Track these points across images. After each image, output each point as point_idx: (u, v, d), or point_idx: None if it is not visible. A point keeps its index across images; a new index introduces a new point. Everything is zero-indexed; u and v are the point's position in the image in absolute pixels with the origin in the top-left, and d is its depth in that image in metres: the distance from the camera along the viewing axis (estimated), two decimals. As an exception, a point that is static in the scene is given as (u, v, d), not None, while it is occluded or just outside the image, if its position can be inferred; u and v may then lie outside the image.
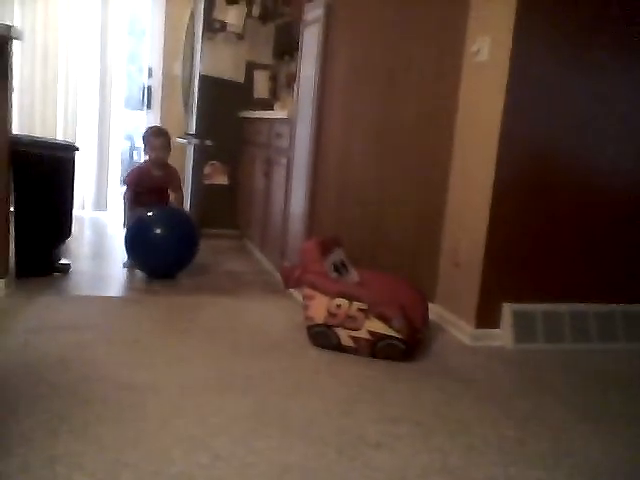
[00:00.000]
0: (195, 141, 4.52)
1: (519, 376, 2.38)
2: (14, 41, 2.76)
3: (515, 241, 2.65)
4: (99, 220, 5.01)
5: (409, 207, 2.94)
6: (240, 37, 4.46)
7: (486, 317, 2.66)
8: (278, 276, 2.79)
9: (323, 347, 2.44)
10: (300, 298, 2.67)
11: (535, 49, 2.53)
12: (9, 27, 2.63)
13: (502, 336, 2.68)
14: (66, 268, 3.25)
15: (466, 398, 2.11)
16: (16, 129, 4.75)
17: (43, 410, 1.75)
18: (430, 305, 2.72)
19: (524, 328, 2.67)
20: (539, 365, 2.51)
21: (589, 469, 1.70)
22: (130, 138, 6.45)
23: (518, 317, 2.67)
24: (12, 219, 2.97)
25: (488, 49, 2.65)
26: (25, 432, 1.62)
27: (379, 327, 2.35)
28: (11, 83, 2.79)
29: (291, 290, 3.03)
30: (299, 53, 3.21)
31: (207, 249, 3.95)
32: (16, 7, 4.84)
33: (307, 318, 2.49)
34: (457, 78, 2.88)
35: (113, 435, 1.64)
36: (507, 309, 2.67)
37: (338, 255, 2.66)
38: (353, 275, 2.68)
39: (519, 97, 2.54)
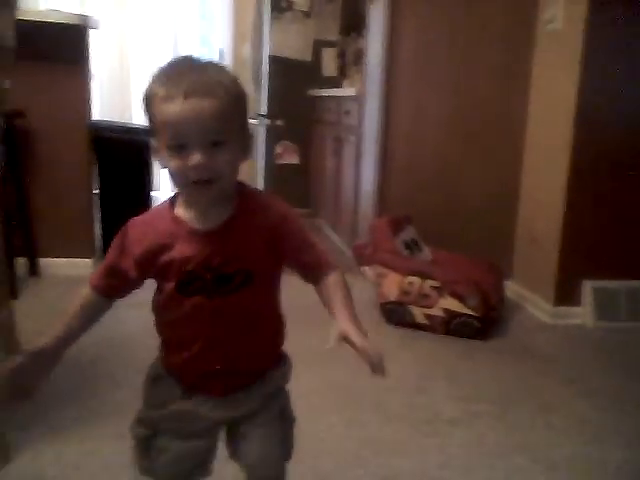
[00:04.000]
0: (266, 122, 4.57)
1: (600, 355, 2.31)
2: (92, 30, 2.87)
3: (595, 214, 2.55)
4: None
5: (483, 183, 2.88)
6: (307, 15, 4.46)
7: (565, 294, 2.58)
8: (350, 254, 2.81)
9: (397, 324, 2.44)
10: (372, 276, 2.68)
11: (613, 14, 2.38)
12: (85, 17, 2.74)
13: (582, 314, 2.59)
14: (147, 248, 3.38)
15: (544, 377, 2.07)
16: (96, 115, 4.95)
17: (131, 384, 1.84)
18: (506, 282, 2.68)
19: (606, 306, 2.57)
20: (621, 344, 2.42)
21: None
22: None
23: (599, 294, 2.57)
24: (97, 202, 3.11)
25: (562, 16, 2.54)
26: (123, 401, 1.71)
27: (454, 305, 2.33)
28: (89, 70, 2.91)
29: (363, 268, 3.05)
30: (366, 29, 3.17)
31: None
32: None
33: (380, 295, 2.49)
34: (530, 49, 2.77)
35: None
36: (587, 286, 2.58)
37: (409, 233, 2.65)
38: (426, 253, 2.66)
39: (596, 67, 2.41)
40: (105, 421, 1.62)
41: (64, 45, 2.71)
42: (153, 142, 0.98)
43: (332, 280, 1.07)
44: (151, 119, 0.97)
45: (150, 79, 0.97)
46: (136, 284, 1.05)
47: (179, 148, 0.93)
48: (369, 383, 1.92)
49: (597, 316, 2.57)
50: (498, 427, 1.71)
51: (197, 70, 0.97)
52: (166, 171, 0.96)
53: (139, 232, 1.03)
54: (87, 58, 2.85)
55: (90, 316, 1.06)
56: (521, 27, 2.76)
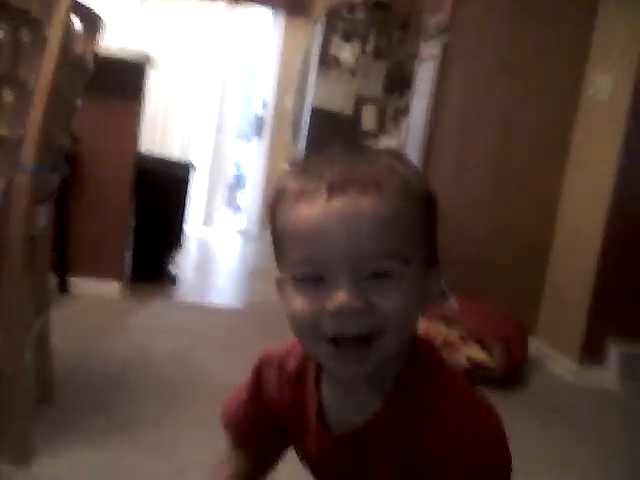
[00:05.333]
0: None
1: (625, 417, 2.29)
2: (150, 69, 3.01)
3: (626, 278, 2.55)
4: (204, 237, 5.24)
5: (514, 240, 2.91)
6: (353, 73, 4.63)
7: (591, 354, 2.57)
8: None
9: (419, 370, 2.43)
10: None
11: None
12: (148, 56, 2.87)
13: (607, 375, 2.57)
14: (175, 277, 3.44)
15: (565, 433, 2.05)
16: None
17: (154, 401, 1.87)
18: (530, 339, 2.67)
19: (632, 368, 2.55)
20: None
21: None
22: (237, 166, 6.75)
23: (626, 356, 2.56)
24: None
25: (609, 88, 2.60)
26: (144, 415, 1.74)
27: (478, 354, 2.32)
28: (143, 107, 3.04)
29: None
30: (413, 86, 3.30)
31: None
32: (145, 33, 5.16)
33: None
34: (572, 118, 2.82)
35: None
36: (614, 347, 2.57)
37: (438, 281, 2.67)
38: (452, 302, 2.67)
39: (638, 141, 2.47)
40: (126, 433, 1.64)
41: (123, 80, 2.84)
42: (277, 272, 0.63)
43: None
44: (275, 232, 0.62)
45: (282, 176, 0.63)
46: (282, 441, 0.77)
47: (313, 281, 0.57)
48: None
49: (623, 378, 2.54)
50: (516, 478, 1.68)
51: (354, 154, 0.61)
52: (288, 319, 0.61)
53: (273, 379, 0.74)
54: (143, 95, 2.99)
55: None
56: (566, 95, 2.83)
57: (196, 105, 5.39)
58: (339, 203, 0.55)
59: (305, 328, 0.58)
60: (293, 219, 0.57)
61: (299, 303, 0.57)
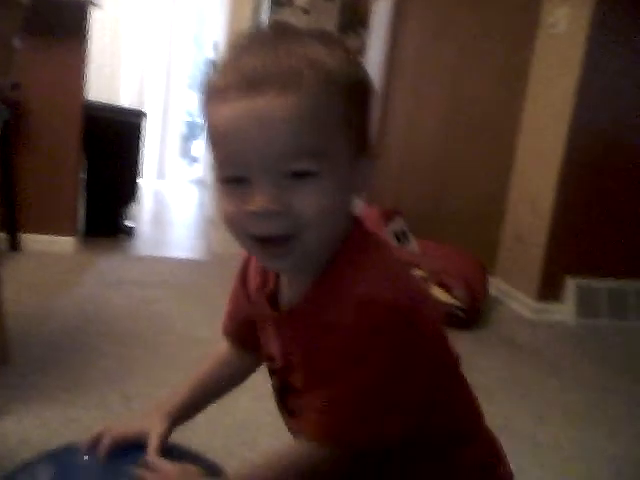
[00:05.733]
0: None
1: (581, 349, 2.37)
2: (93, 8, 2.84)
3: (583, 214, 2.60)
4: (159, 189, 5.12)
5: (472, 180, 2.92)
6: (306, 12, 4.48)
7: (548, 291, 2.63)
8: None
9: (382, 313, 2.44)
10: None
11: (617, 21, 2.45)
12: (90, -7, 2.71)
13: (564, 310, 2.64)
14: (130, 230, 3.36)
15: (526, 366, 2.11)
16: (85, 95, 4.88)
17: (114, 356, 1.83)
18: (490, 279, 2.71)
19: (587, 303, 2.63)
20: (601, 340, 2.48)
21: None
22: (190, 114, 6.54)
23: (581, 292, 2.63)
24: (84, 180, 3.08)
25: (566, 20, 2.58)
26: (106, 371, 1.71)
27: (439, 295, 2.35)
28: (87, 48, 2.88)
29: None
30: (369, 25, 3.20)
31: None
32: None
33: (367, 284, 2.50)
34: (530, 50, 2.80)
35: (180, 380, 1.70)
36: (570, 283, 2.63)
37: (399, 224, 2.67)
38: (413, 245, 2.68)
39: (597, 72, 2.47)
40: (88, 390, 1.61)
41: (65, 20, 2.69)
42: (211, 172, 0.65)
43: (287, 447, 0.65)
44: (206, 131, 0.61)
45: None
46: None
47: (238, 182, 0.58)
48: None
49: (578, 313, 2.63)
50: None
51: (282, 41, 0.58)
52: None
53: (253, 272, 0.76)
54: (86, 36, 2.83)
55: (221, 374, 0.83)
56: (524, 28, 2.79)
57: (144, 50, 5.17)
58: (255, 102, 0.55)
59: (233, 227, 0.60)
60: (215, 119, 0.58)
61: (226, 204, 0.59)
